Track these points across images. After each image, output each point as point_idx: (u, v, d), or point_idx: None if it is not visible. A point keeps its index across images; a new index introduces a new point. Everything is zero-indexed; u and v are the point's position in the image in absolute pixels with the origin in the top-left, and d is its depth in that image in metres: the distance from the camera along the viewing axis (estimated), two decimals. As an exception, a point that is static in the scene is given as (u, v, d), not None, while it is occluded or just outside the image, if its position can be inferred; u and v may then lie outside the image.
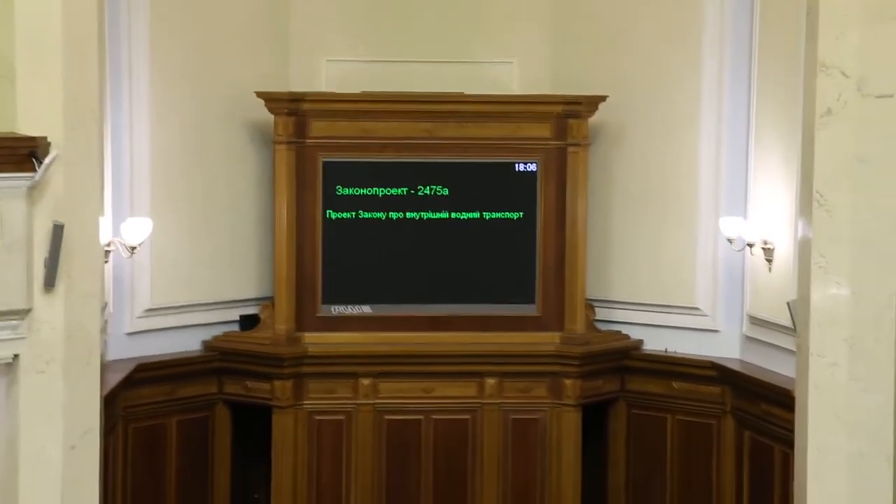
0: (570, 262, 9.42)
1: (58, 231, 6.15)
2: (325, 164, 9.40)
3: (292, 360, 9.33)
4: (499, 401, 9.49)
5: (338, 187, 9.44)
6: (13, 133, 6.08)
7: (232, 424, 9.58)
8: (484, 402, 9.49)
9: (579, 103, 9.36)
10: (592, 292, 9.65)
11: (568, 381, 9.43)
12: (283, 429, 9.33)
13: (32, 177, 6.07)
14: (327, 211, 9.44)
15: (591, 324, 9.62)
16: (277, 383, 9.32)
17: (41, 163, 6.06)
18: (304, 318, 9.40)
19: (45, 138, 6.06)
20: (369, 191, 9.47)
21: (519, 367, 9.47)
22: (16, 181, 6.03)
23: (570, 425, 9.43)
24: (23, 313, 6.19)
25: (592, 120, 9.45)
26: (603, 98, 9.38)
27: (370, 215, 9.47)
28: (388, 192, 9.48)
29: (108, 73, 8.59)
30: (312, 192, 9.38)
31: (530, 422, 9.50)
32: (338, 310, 9.47)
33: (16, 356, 6.24)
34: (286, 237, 9.32)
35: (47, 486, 6.25)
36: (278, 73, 9.74)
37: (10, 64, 6.09)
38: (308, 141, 9.36)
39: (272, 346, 9.34)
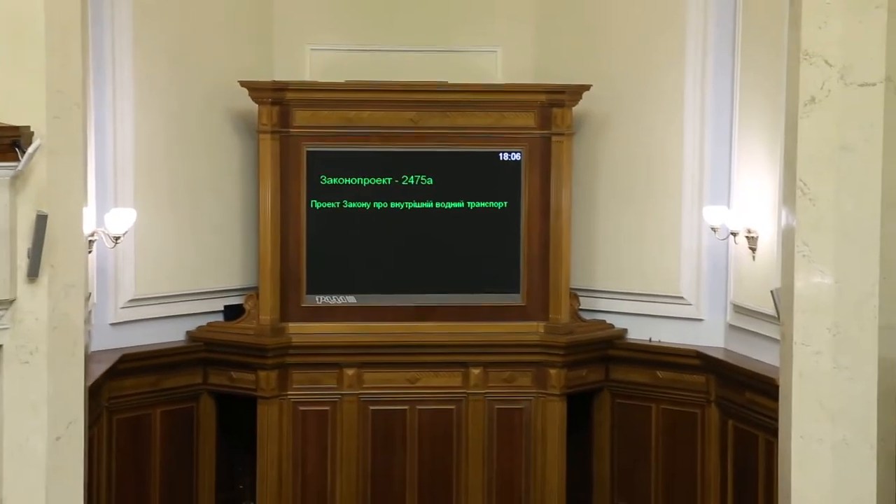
0: (554, 252, 9.42)
1: (41, 221, 6.13)
2: (310, 153, 9.38)
3: (276, 351, 9.32)
4: (483, 391, 9.49)
5: (322, 177, 9.42)
6: (-7, 122, 6.06)
7: (217, 415, 9.56)
8: (469, 391, 9.49)
9: (563, 92, 9.36)
10: (577, 282, 9.66)
11: (552, 371, 9.44)
12: (268, 419, 9.32)
13: (15, 166, 6.04)
14: (312, 200, 9.41)
15: (575, 313, 9.62)
16: (262, 374, 9.31)
17: (24, 152, 6.03)
18: (288, 309, 9.38)
19: (27, 128, 6.03)
20: (354, 180, 9.46)
21: (503, 356, 9.47)
22: (-4, 171, 6.02)
23: (554, 415, 9.44)
24: (6, 303, 6.17)
25: (577, 109, 9.45)
26: (587, 87, 9.38)
27: (355, 205, 9.45)
28: (373, 181, 9.46)
29: (91, 62, 8.55)
30: (297, 182, 9.36)
31: (515, 411, 9.50)
32: (322, 300, 9.45)
33: (-1, 347, 6.23)
34: (270, 227, 9.29)
35: (32, 476, 6.24)
36: (262, 62, 9.72)
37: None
38: (292, 130, 9.34)
39: (256, 337, 9.32)
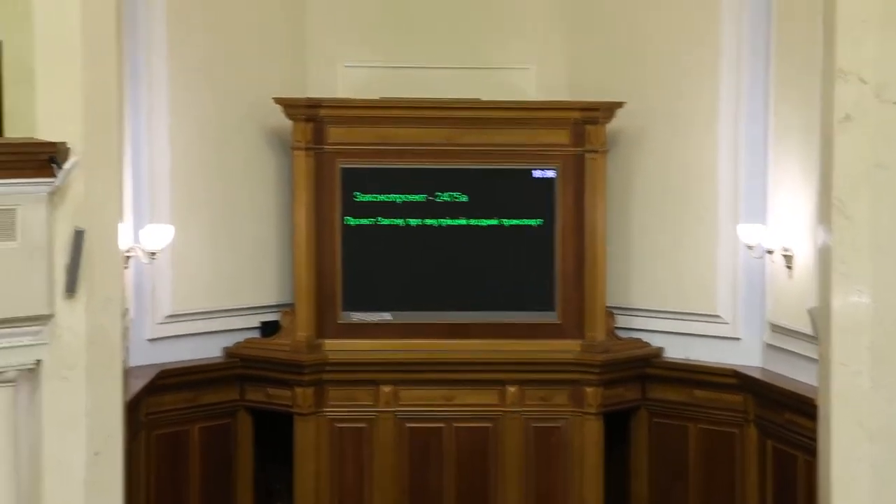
0: (589, 269, 9.39)
1: (79, 236, 6.17)
2: (344, 170, 9.40)
3: (312, 367, 9.33)
4: (520, 409, 9.45)
5: (356, 193, 9.44)
6: (33, 138, 6.11)
7: (254, 431, 9.57)
8: (505, 409, 9.45)
9: (597, 109, 9.34)
10: (613, 299, 9.61)
11: (589, 389, 9.39)
12: (305, 436, 9.33)
13: (52, 182, 6.10)
14: (346, 217, 9.43)
15: (611, 331, 9.57)
16: (298, 390, 9.32)
17: (61, 168, 6.09)
18: (324, 325, 9.39)
19: (64, 143, 6.09)
20: (388, 197, 9.47)
21: (539, 374, 9.43)
22: (36, 186, 6.06)
23: (591, 433, 9.39)
24: (44, 319, 6.21)
25: (611, 126, 9.43)
26: (620, 104, 9.35)
27: (389, 222, 9.46)
28: (407, 198, 9.47)
29: (126, 78, 8.59)
30: (331, 199, 9.38)
31: (552, 430, 9.46)
32: (358, 317, 9.46)
33: (38, 362, 6.27)
34: (305, 244, 9.32)
35: (71, 492, 6.28)
36: (296, 79, 9.73)
37: (29, 69, 6.13)
38: (326, 147, 9.36)
39: (292, 353, 9.33)
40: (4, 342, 6.12)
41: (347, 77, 9.86)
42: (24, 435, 6.27)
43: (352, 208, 9.42)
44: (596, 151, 9.39)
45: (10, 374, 6.22)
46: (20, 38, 6.12)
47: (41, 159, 6.04)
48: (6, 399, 6.22)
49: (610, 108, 9.36)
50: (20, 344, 6.17)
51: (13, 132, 6.21)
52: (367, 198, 9.45)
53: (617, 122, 9.46)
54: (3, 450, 6.18)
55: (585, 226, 9.39)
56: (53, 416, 6.32)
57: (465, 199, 9.49)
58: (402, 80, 9.75)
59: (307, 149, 9.31)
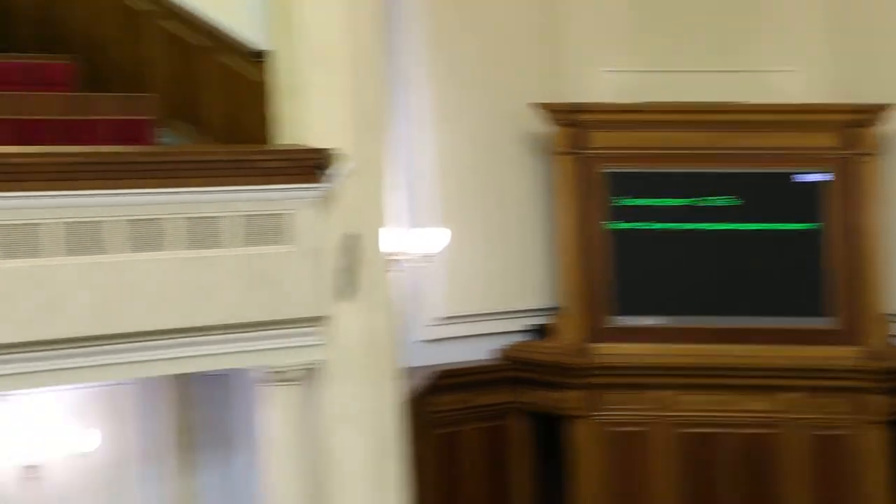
0: (864, 275, 9.06)
1: (354, 241, 6.42)
2: (607, 174, 9.39)
3: (582, 371, 9.36)
4: (800, 416, 9.18)
5: (621, 198, 9.41)
6: (302, 145, 6.42)
7: (530, 433, 9.65)
8: (785, 416, 9.19)
9: (866, 112, 9.02)
10: (893, 306, 9.21)
11: (871, 398, 9.03)
12: (578, 439, 9.36)
13: (324, 187, 6.38)
14: (611, 221, 9.42)
15: (890, 339, 9.19)
16: (569, 393, 9.37)
17: (326, 174, 6.35)
18: (593, 329, 9.41)
19: (333, 150, 6.35)
20: (653, 201, 9.41)
21: (817, 381, 9.13)
22: (307, 192, 6.37)
23: (876, 443, 9.05)
24: (321, 321, 6.51)
25: (886, 128, 9.06)
26: (890, 107, 8.97)
27: (655, 226, 9.39)
28: (673, 202, 9.40)
29: (391, 86, 8.69)
30: (594, 203, 9.39)
31: (834, 438, 9.16)
32: (627, 321, 9.44)
33: (318, 362, 6.58)
34: (570, 248, 9.36)
35: (358, 488, 6.54)
36: (554, 84, 9.75)
37: (298, 78, 6.43)
38: (587, 151, 9.38)
39: (563, 356, 9.39)
40: (285, 342, 6.46)
41: (606, 82, 9.82)
42: (307, 434, 6.58)
43: (616, 212, 9.40)
44: (868, 154, 9.05)
45: (293, 374, 6.53)
46: (288, 49, 6.42)
47: (310, 165, 6.32)
48: (291, 397, 6.53)
49: (879, 111, 9.02)
50: (299, 345, 6.50)
51: (287, 139, 6.54)
52: (631, 202, 9.42)
53: (891, 124, 9.06)
54: (292, 446, 6.48)
55: (859, 230, 9.06)
56: (335, 415, 6.58)
57: (731, 202, 9.30)
58: (662, 84, 9.65)
59: (569, 153, 9.37)
